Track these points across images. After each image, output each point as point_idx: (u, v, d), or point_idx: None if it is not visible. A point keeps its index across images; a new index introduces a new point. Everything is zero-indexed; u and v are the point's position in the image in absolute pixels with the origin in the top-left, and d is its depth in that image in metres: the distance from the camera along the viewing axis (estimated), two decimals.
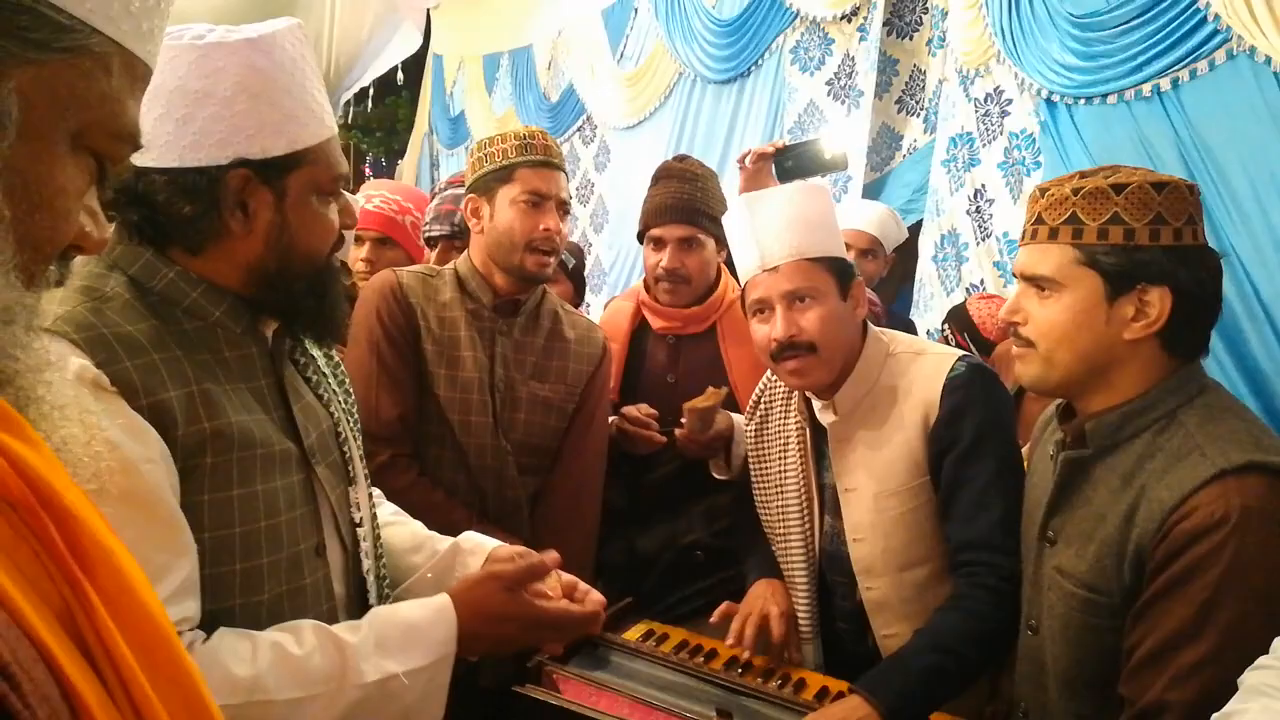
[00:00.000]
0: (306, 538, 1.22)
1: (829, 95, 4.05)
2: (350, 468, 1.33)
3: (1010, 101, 3.43)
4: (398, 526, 1.53)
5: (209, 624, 1.10)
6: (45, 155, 0.57)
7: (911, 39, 3.91)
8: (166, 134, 1.10)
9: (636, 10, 5.10)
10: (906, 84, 3.94)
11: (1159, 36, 2.85)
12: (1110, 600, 1.30)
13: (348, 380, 1.44)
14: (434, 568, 1.46)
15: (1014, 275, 1.44)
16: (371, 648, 1.14)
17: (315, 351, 1.35)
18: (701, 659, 1.73)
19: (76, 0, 0.56)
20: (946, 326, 2.96)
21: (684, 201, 2.24)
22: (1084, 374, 1.36)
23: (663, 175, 2.32)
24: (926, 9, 3.83)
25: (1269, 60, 2.55)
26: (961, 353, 1.76)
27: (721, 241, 2.28)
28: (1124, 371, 1.33)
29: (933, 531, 1.69)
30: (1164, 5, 2.83)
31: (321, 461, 1.26)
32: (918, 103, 3.90)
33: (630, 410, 2.19)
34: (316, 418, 1.28)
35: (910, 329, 3.37)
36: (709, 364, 2.28)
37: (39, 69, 0.55)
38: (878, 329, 1.82)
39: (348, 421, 1.35)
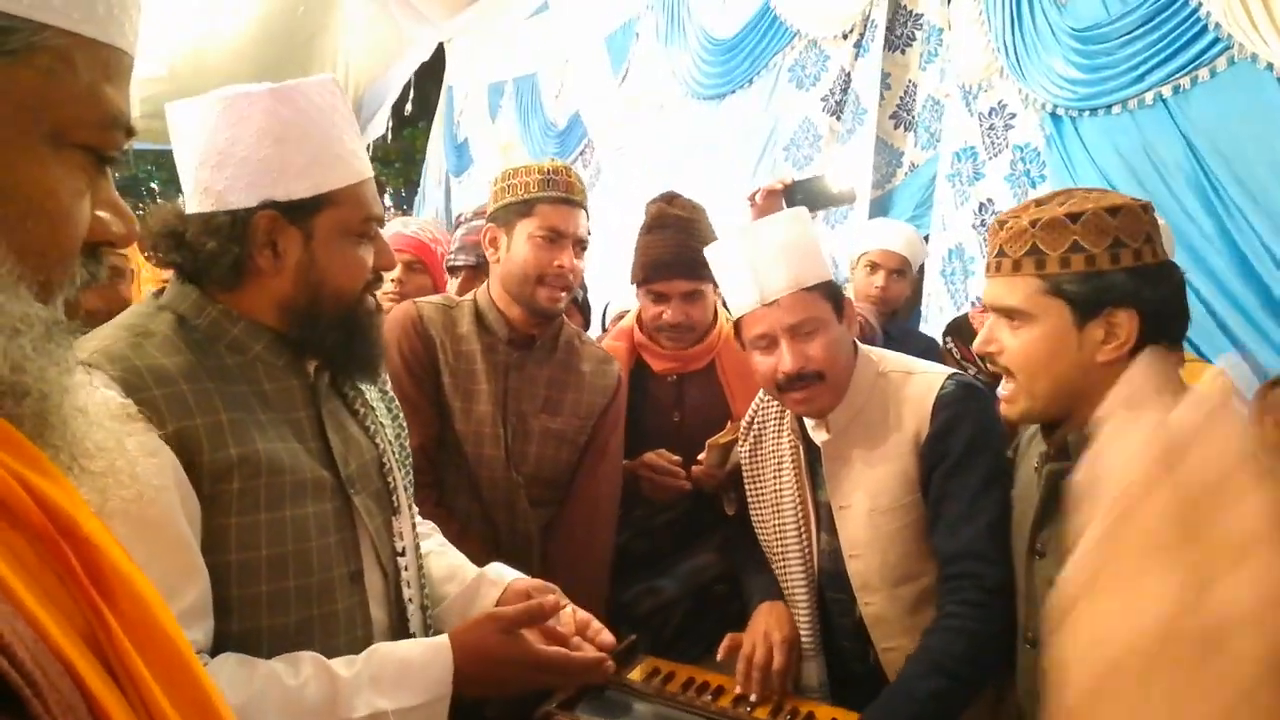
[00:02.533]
0: (340, 564, 1.24)
1: (824, 110, 4.06)
2: (394, 497, 1.36)
3: (1014, 116, 3.43)
4: (438, 556, 1.55)
5: (237, 644, 1.12)
6: (21, 162, 0.56)
7: (904, 53, 3.92)
8: (205, 181, 1.17)
9: (639, 35, 5.16)
10: (901, 99, 3.94)
11: (1160, 45, 2.85)
12: None
13: (401, 414, 1.47)
14: (459, 598, 1.47)
15: (984, 307, 1.46)
16: (365, 683, 1.14)
17: (367, 387, 1.39)
18: (710, 696, 1.71)
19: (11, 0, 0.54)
20: (949, 340, 2.94)
21: (685, 255, 2.16)
22: (1064, 399, 1.38)
23: (657, 224, 2.23)
24: (920, 25, 3.84)
25: (1270, 66, 2.55)
26: (951, 370, 1.77)
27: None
28: (1102, 392, 1.34)
29: (927, 546, 1.70)
30: (1165, 15, 2.84)
31: (362, 491, 1.29)
32: (912, 117, 3.91)
33: (652, 458, 2.15)
34: (359, 449, 1.31)
35: (933, 347, 3.35)
36: (713, 398, 2.27)
37: None
38: (866, 348, 1.82)
39: (394, 453, 1.38)
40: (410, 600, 1.34)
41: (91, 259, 0.64)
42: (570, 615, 1.37)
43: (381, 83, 7.60)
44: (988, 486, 1.62)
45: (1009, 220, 1.39)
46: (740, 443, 2.00)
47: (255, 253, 1.18)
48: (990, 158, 3.49)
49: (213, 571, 1.12)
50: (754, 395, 2.13)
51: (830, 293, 1.74)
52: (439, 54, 7.35)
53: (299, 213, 1.19)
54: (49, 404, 0.57)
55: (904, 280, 3.21)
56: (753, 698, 1.71)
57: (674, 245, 2.18)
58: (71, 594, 0.51)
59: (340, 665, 1.16)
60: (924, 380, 1.73)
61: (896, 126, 3.94)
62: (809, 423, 1.82)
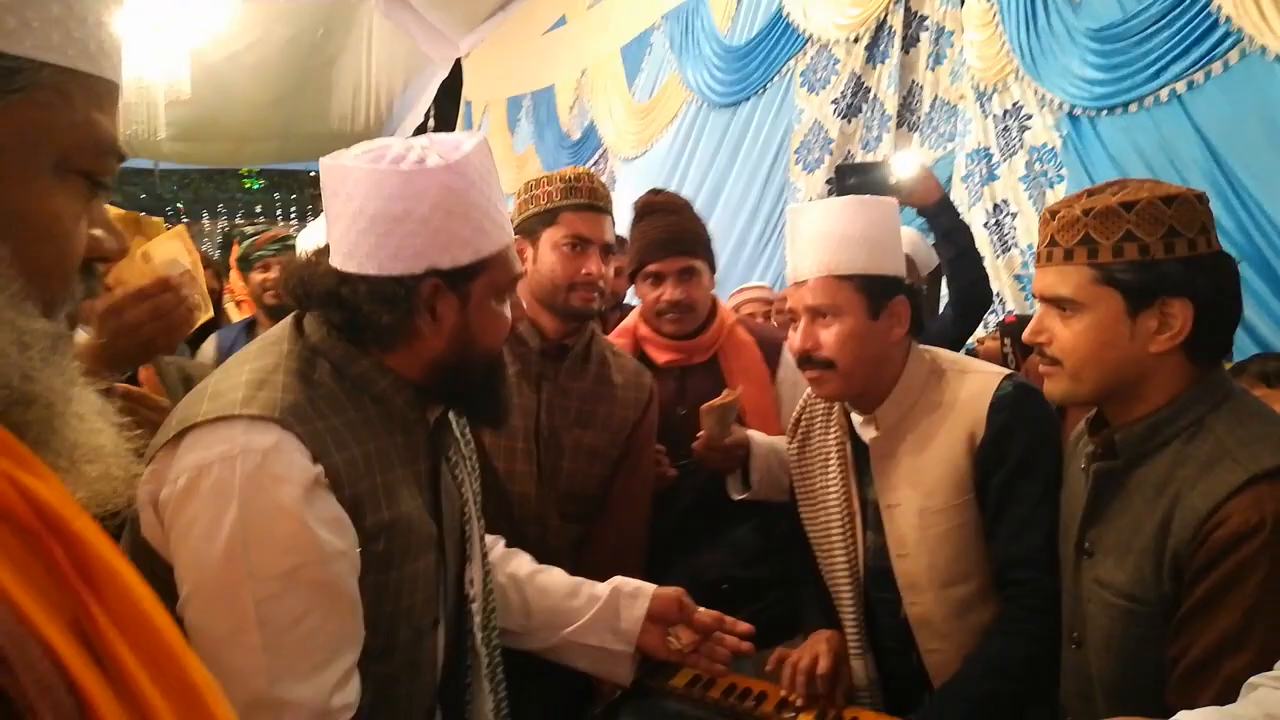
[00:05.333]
0: (426, 615, 1.27)
1: (834, 114, 4.07)
2: (468, 546, 1.38)
3: (1030, 117, 3.41)
4: (548, 574, 1.58)
5: None
6: (30, 190, 0.60)
7: (908, 54, 3.91)
8: (369, 246, 1.18)
9: (653, 45, 5.20)
10: (904, 100, 3.93)
11: (1174, 42, 2.82)
12: (1151, 610, 1.28)
13: (474, 455, 1.50)
14: (601, 613, 1.53)
15: (1034, 296, 1.44)
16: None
17: (456, 433, 1.41)
18: (753, 702, 1.69)
19: (14, 42, 0.57)
20: (1008, 341, 2.91)
21: (678, 233, 2.20)
22: (1113, 388, 1.36)
23: (646, 211, 2.26)
24: (925, 26, 3.84)
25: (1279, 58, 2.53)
26: (1007, 371, 1.73)
27: (713, 268, 2.29)
28: (1152, 383, 1.33)
29: (976, 549, 1.67)
30: (1178, 11, 2.81)
31: (448, 540, 1.32)
32: (917, 118, 3.90)
33: None
34: (454, 500, 1.34)
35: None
36: (717, 391, 2.22)
37: (3, 112, 0.57)
38: (923, 347, 1.79)
39: (474, 501, 1.41)
40: (482, 643, 1.36)
41: (88, 274, 0.67)
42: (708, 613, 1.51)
43: (401, 102, 7.70)
44: (1047, 494, 1.59)
45: (1061, 210, 1.37)
46: (789, 439, 1.98)
47: (416, 317, 1.21)
48: (1005, 159, 3.46)
49: None
50: (758, 391, 2.14)
51: (868, 286, 1.70)
52: (457, 70, 7.43)
53: (460, 279, 1.21)
54: (53, 411, 0.59)
55: (909, 278, 3.21)
56: (797, 702, 1.68)
57: (665, 226, 2.20)
58: (59, 585, 0.53)
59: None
60: (979, 380, 1.69)
61: (900, 126, 3.93)
62: (857, 419, 1.80)
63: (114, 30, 0.65)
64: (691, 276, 2.21)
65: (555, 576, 1.57)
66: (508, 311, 1.31)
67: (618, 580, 1.56)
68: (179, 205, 10.96)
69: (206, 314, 2.09)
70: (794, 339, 1.74)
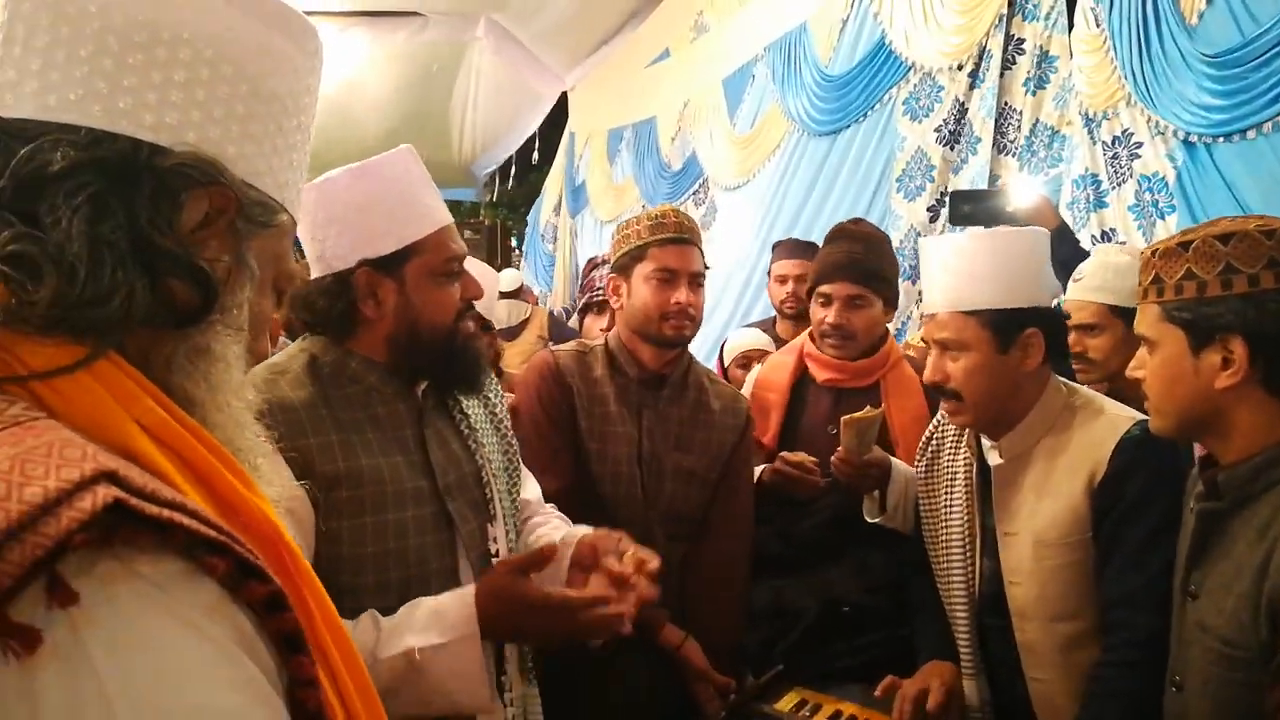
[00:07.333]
0: (436, 560, 1.42)
1: (937, 141, 4.03)
2: (491, 506, 1.52)
3: (1140, 145, 3.30)
4: (546, 530, 1.65)
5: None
6: (265, 296, 0.80)
7: (1002, 77, 3.84)
8: (315, 252, 1.45)
9: (754, 76, 5.24)
10: (1000, 125, 3.86)
11: None
12: (1249, 655, 1.25)
13: (510, 434, 1.65)
14: (551, 566, 1.50)
15: None
16: (403, 628, 1.28)
17: (474, 409, 1.60)
18: None
19: (278, 192, 0.78)
20: None
21: (854, 260, 2.26)
22: (1190, 423, 1.39)
23: (836, 235, 2.35)
24: (1021, 49, 3.77)
25: None
26: (1141, 416, 1.70)
27: (891, 302, 2.32)
28: (1235, 419, 1.34)
29: (1089, 588, 1.67)
30: None
31: (458, 498, 1.47)
32: (1012, 143, 3.82)
33: (790, 454, 2.19)
34: (458, 461, 1.49)
35: None
36: None
37: (263, 239, 0.77)
38: (1063, 380, 1.80)
39: (493, 467, 1.54)
40: None
41: None
42: (631, 556, 1.43)
43: (508, 132, 7.94)
44: (1158, 535, 1.57)
45: (1146, 250, 1.43)
46: (918, 458, 2.01)
47: (361, 304, 1.41)
48: (1114, 187, 3.36)
49: (330, 563, 1.32)
50: (913, 423, 2.16)
51: (995, 321, 1.71)
52: (562, 102, 7.63)
53: (390, 264, 1.41)
54: (251, 458, 0.75)
55: None
56: None
57: (843, 252, 2.28)
58: (284, 583, 0.65)
59: (390, 616, 1.31)
60: (1109, 421, 1.70)
61: (999, 153, 3.86)
62: (985, 444, 1.83)
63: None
64: (858, 305, 2.26)
65: (549, 538, 1.57)
66: (454, 290, 1.47)
67: (577, 528, 1.59)
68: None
69: None
70: (928, 369, 1.79)
